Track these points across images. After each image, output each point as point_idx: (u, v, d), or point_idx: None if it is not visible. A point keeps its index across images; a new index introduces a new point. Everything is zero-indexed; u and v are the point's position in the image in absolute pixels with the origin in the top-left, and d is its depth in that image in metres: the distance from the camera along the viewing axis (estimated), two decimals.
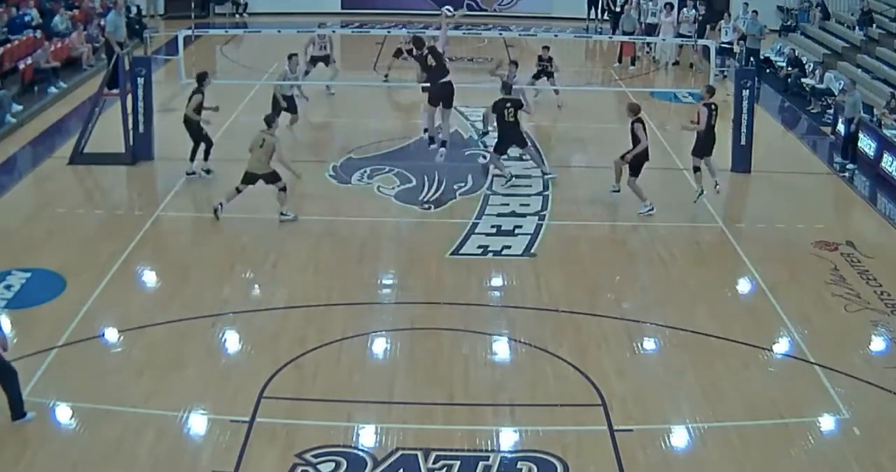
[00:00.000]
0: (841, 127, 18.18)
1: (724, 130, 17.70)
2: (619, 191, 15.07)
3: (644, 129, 14.49)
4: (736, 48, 24.35)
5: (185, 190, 15.22)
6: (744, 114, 16.54)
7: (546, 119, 19.73)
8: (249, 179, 13.95)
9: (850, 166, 17.19)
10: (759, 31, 23.45)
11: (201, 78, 15.73)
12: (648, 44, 25.66)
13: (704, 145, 14.97)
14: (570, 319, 11.41)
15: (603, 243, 13.79)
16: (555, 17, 31.74)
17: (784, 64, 23.79)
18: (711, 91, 15.06)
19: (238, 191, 13.95)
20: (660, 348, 10.98)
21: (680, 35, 24.16)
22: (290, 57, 18.08)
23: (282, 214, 13.99)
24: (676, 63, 25.29)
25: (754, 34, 23.44)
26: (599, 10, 30.25)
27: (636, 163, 14.54)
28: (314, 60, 20.79)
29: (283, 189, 13.99)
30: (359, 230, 14.13)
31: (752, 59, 23.24)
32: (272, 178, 13.96)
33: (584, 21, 30.37)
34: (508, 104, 15.58)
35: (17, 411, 8.97)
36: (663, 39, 24.01)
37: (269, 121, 14.05)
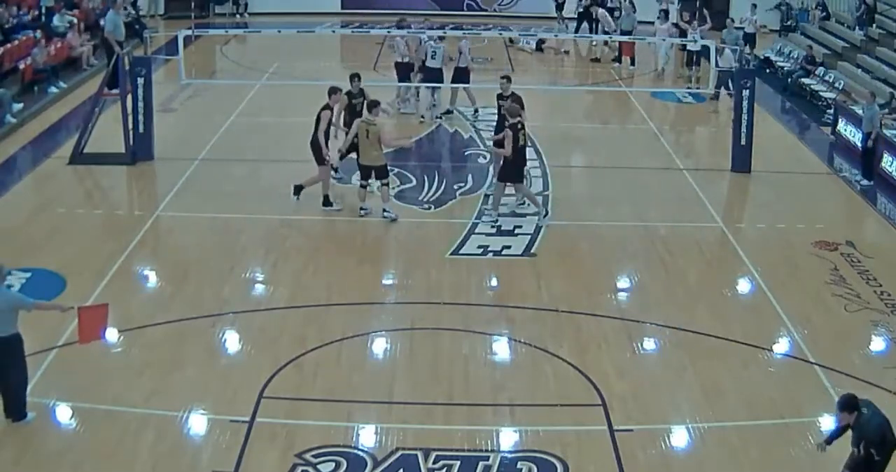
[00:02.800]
0: (858, 141, 17.39)
1: (724, 131, 17.77)
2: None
3: (519, 136, 13.57)
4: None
5: (185, 190, 15.21)
6: (744, 114, 16.53)
7: (546, 119, 19.73)
8: (366, 172, 13.99)
9: (864, 183, 16.48)
10: (734, 40, 23.17)
11: (352, 78, 15.46)
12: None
13: (512, 171, 13.84)
14: (570, 319, 11.41)
15: (603, 243, 13.79)
16: (555, 17, 31.69)
17: (785, 64, 23.77)
18: (514, 112, 13.63)
19: (364, 187, 14.08)
20: (660, 348, 10.99)
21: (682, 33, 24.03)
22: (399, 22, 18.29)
23: (385, 211, 13.99)
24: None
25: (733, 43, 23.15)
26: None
27: (515, 170, 13.83)
28: (458, 73, 19.58)
29: (387, 184, 14.00)
30: (359, 230, 14.13)
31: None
32: (383, 172, 13.95)
33: (555, 20, 30.09)
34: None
35: (20, 411, 8.97)
36: (663, 40, 23.90)
37: (372, 106, 13.86)
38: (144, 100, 16.38)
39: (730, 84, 18.28)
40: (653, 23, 25.27)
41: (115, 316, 11.13)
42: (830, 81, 22.21)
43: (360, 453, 8.77)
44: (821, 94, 21.70)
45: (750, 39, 25.15)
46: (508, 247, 13.43)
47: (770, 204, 15.58)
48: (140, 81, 16.29)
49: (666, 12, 24.82)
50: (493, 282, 12.51)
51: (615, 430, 9.15)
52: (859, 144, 17.28)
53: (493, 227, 13.86)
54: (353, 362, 10.39)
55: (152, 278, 12.52)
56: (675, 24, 24.58)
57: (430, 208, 14.83)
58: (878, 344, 11.10)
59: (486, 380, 10.10)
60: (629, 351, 10.76)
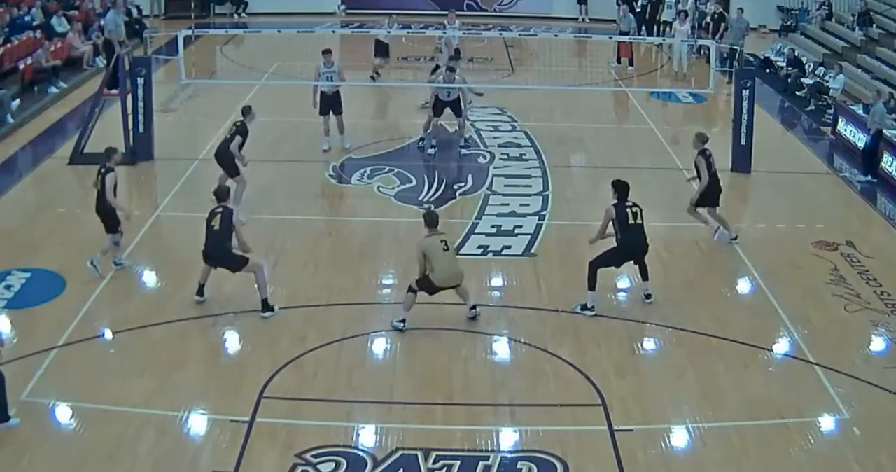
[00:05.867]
0: (861, 139, 17.49)
1: (724, 131, 17.76)
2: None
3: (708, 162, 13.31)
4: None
5: (185, 190, 15.21)
6: (744, 114, 16.53)
7: (546, 119, 19.75)
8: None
9: (861, 179, 16.69)
10: (745, 28, 23.18)
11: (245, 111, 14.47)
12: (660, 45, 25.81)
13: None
14: (570, 319, 11.41)
15: (603, 243, 13.75)
16: (555, 17, 31.76)
17: (784, 64, 23.78)
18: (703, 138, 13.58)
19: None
20: (660, 348, 10.99)
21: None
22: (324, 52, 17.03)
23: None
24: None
25: (741, 29, 23.17)
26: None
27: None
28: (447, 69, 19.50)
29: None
30: (359, 230, 14.13)
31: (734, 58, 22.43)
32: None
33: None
34: None
35: (1, 415, 8.92)
36: (682, 41, 23.66)
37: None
38: (144, 100, 16.39)
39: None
40: (614, 21, 25.37)
41: (115, 316, 11.20)
42: (829, 80, 22.17)
43: (360, 453, 8.78)
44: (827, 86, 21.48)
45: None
46: (508, 247, 13.44)
47: (770, 204, 15.59)
48: (140, 80, 16.30)
49: (686, 13, 24.67)
50: (493, 282, 12.51)
51: (615, 430, 9.15)
52: (860, 142, 17.30)
53: None
54: (353, 362, 10.39)
55: (152, 278, 12.52)
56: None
57: (430, 208, 14.82)
58: (878, 344, 11.10)
59: (486, 380, 10.10)
60: (629, 351, 10.77)
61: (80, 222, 13.91)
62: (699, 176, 13.44)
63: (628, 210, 11.49)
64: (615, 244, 11.55)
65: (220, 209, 11.27)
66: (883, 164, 16.72)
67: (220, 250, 11.18)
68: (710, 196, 13.45)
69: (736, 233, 13.64)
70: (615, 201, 11.61)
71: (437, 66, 19.43)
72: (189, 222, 14.11)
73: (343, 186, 15.74)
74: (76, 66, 22.45)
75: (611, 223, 11.55)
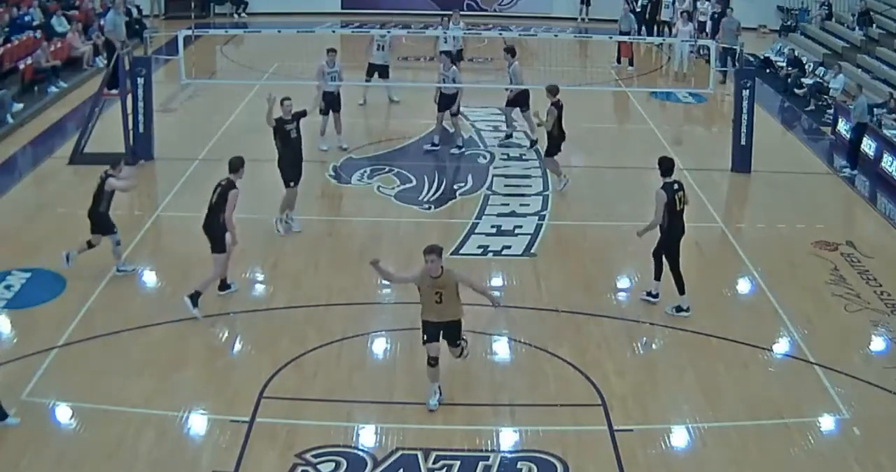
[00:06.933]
0: (847, 133, 17.86)
1: (724, 131, 17.77)
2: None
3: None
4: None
5: (185, 190, 15.21)
6: (744, 114, 16.54)
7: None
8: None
9: (849, 172, 16.99)
10: (736, 28, 23.20)
11: (283, 101, 13.93)
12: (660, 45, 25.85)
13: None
14: (570, 319, 11.41)
15: (603, 242, 13.79)
16: (555, 17, 31.76)
17: (784, 64, 23.79)
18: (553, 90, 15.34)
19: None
20: (660, 348, 10.99)
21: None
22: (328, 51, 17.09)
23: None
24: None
25: (732, 30, 23.16)
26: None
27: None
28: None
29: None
30: (359, 230, 14.13)
31: (727, 57, 22.22)
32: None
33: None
34: None
35: None
36: (683, 41, 23.62)
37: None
38: (144, 100, 16.40)
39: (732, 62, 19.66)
40: (615, 21, 25.37)
41: (115, 316, 11.19)
42: (829, 80, 22.18)
43: (360, 453, 8.78)
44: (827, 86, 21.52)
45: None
46: (508, 247, 13.44)
47: (770, 204, 15.58)
48: (140, 80, 16.30)
49: (688, 13, 24.65)
50: (493, 282, 12.50)
51: (615, 430, 9.16)
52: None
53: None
54: (353, 362, 10.40)
55: (152, 277, 12.52)
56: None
57: (430, 208, 14.84)
58: (878, 344, 11.11)
59: (486, 380, 10.11)
60: (629, 351, 10.77)
61: (80, 222, 13.84)
62: (545, 122, 15.12)
63: (675, 196, 11.33)
64: (665, 235, 11.45)
65: (222, 182, 11.45)
66: (883, 164, 16.75)
67: (207, 224, 11.39)
68: (554, 144, 15.20)
69: (566, 180, 15.36)
70: (662, 183, 11.42)
71: (370, 65, 19.71)
72: (189, 222, 14.09)
73: (343, 186, 15.74)
74: (76, 66, 22.45)
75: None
